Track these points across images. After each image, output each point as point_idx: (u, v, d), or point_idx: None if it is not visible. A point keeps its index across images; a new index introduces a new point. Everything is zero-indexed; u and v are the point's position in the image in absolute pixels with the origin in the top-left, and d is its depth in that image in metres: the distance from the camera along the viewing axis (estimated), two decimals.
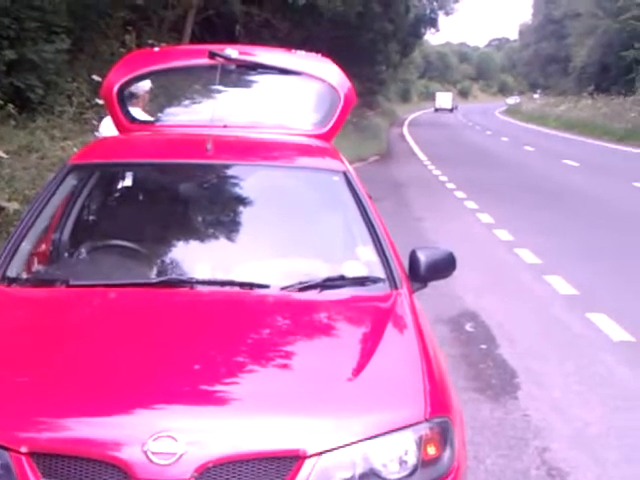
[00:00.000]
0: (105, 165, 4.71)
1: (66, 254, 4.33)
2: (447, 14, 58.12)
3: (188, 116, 5.37)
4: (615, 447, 5.27)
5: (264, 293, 3.75)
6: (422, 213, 15.04)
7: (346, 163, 4.72)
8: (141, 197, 4.81)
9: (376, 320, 3.66)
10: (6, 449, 2.73)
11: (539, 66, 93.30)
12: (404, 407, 3.01)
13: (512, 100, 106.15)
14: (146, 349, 3.22)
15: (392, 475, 2.86)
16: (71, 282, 3.75)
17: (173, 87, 6.04)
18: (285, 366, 3.27)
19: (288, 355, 3.35)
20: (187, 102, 5.80)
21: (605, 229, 13.47)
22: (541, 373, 6.59)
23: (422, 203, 16.60)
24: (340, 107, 5.24)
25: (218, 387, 3.04)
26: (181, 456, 2.69)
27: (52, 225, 4.37)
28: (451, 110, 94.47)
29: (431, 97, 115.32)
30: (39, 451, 2.73)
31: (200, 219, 4.54)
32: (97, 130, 8.92)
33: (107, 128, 6.79)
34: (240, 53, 5.19)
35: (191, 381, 3.02)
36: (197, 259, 4.09)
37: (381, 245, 4.07)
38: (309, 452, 2.77)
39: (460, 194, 18.07)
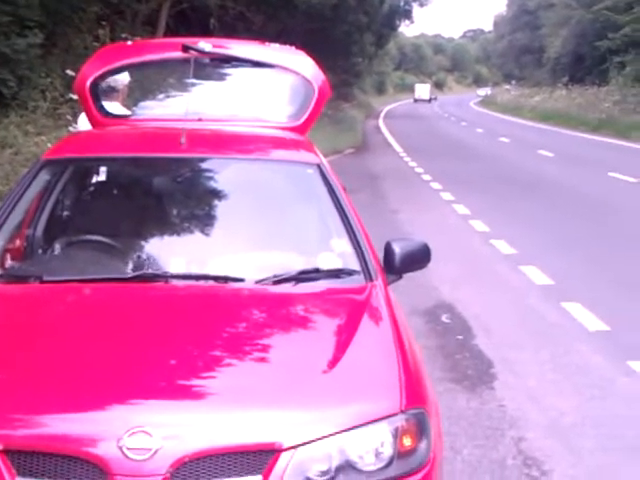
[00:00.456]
0: (78, 160, 4.68)
1: (40, 250, 4.30)
2: (421, 5, 58.33)
3: (162, 110, 5.36)
4: (590, 436, 5.31)
5: (239, 287, 3.74)
6: (398, 205, 15.06)
7: (320, 155, 4.73)
8: (115, 192, 4.79)
9: (351, 312, 3.66)
10: None
11: (513, 57, 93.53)
12: (379, 399, 3.01)
13: (483, 91, 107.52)
14: (121, 344, 3.20)
15: (368, 467, 2.87)
16: (45, 278, 3.73)
17: (147, 81, 6.03)
18: (260, 359, 3.27)
19: (263, 348, 3.35)
20: (161, 96, 5.78)
21: (580, 219, 13.54)
22: (517, 363, 6.62)
23: (398, 195, 16.63)
24: (314, 100, 5.25)
25: (194, 381, 3.04)
26: (157, 451, 2.68)
27: (25, 221, 4.34)
28: (429, 100, 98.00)
29: (407, 89, 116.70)
30: (14, 448, 2.71)
31: (174, 213, 4.54)
32: (73, 125, 8.88)
33: (84, 122, 6.77)
34: (214, 46, 5.18)
35: (167, 376, 3.01)
36: (172, 253, 4.08)
37: (355, 237, 4.08)
38: (285, 445, 2.77)
39: (436, 185, 18.11)
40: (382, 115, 62.11)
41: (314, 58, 5.50)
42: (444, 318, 7.83)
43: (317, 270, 3.87)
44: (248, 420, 2.83)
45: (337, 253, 4.08)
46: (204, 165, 4.67)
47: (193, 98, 5.16)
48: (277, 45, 5.67)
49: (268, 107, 5.33)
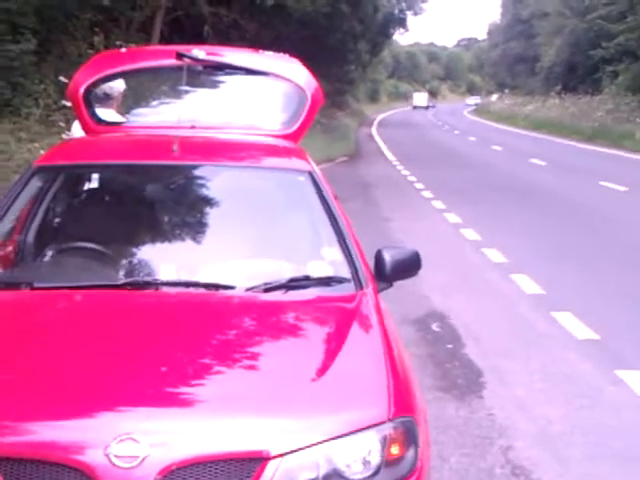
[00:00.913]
0: (70, 167, 4.69)
1: (31, 256, 4.31)
2: (416, 14, 58.38)
3: (155, 117, 5.37)
4: (578, 445, 5.33)
5: (229, 294, 3.75)
6: (390, 213, 15.08)
7: (312, 163, 4.74)
8: (107, 199, 4.79)
9: (341, 320, 3.67)
10: None
11: (507, 66, 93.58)
12: (368, 407, 3.02)
13: (472, 100, 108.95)
14: (111, 351, 3.20)
15: (355, 475, 2.87)
16: (35, 284, 3.73)
17: (140, 88, 6.03)
18: (249, 367, 3.27)
19: (253, 356, 3.36)
20: (154, 103, 5.80)
21: (572, 228, 13.57)
22: (506, 372, 6.63)
23: (390, 203, 16.64)
24: (307, 107, 5.26)
25: (182, 389, 3.04)
26: (144, 459, 2.69)
27: (17, 227, 4.35)
28: (427, 108, 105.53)
29: (401, 97, 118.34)
30: (1, 456, 2.71)
31: (166, 220, 4.54)
32: (67, 132, 8.88)
33: (78, 130, 6.78)
34: (207, 54, 5.20)
35: (155, 383, 3.01)
36: (163, 260, 4.08)
37: (346, 245, 4.09)
38: (272, 453, 2.77)
39: (428, 194, 18.13)
40: (375, 123, 62.14)
41: (308, 66, 5.52)
42: (434, 327, 7.84)
43: (307, 278, 3.89)
44: (236, 428, 2.84)
45: (328, 261, 4.09)
46: (196, 172, 4.68)
47: (186, 105, 5.17)
48: (270, 53, 5.69)
49: (261, 115, 5.34)
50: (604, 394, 6.21)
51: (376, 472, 2.90)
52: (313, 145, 15.36)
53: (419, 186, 19.77)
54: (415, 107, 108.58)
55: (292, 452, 2.79)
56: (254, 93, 5.46)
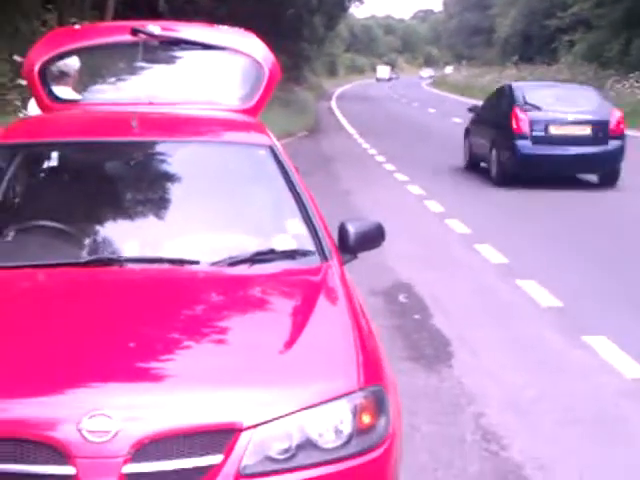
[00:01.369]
0: (29, 145, 4.62)
1: None
2: None
3: (113, 94, 5.32)
4: (547, 410, 5.36)
5: (194, 269, 3.73)
6: (352, 186, 15.06)
7: (272, 137, 4.71)
8: (67, 176, 4.72)
9: (307, 293, 3.68)
10: None
11: (463, 37, 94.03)
12: (338, 377, 3.03)
13: (426, 73, 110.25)
14: (78, 328, 3.18)
15: (328, 444, 2.88)
16: None
17: (96, 65, 5.95)
18: (218, 341, 3.26)
19: (221, 330, 3.35)
20: (111, 80, 5.73)
21: (534, 196, 13.64)
22: (474, 341, 6.66)
23: (352, 176, 16.62)
24: (265, 81, 5.25)
25: (152, 364, 3.04)
26: (117, 433, 2.68)
27: None
28: (389, 79, 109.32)
29: (358, 70, 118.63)
30: None
31: (128, 197, 4.50)
32: (23, 111, 8.78)
33: (34, 108, 6.69)
34: (163, 29, 5.16)
35: (125, 358, 3.01)
36: (126, 237, 4.04)
37: (310, 218, 4.08)
38: (245, 425, 2.77)
39: (390, 167, 18.14)
40: (334, 97, 61.99)
41: (264, 40, 5.49)
42: (401, 298, 7.85)
43: (272, 251, 3.88)
44: (207, 400, 2.84)
45: (292, 234, 4.08)
46: (156, 148, 4.64)
47: (143, 82, 5.15)
48: (226, 27, 5.64)
49: (219, 89, 5.31)
50: (571, 360, 6.25)
51: (348, 441, 2.91)
52: (272, 120, 15.25)
53: (380, 159, 19.76)
54: (378, 79, 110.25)
55: (265, 423, 2.80)
56: (212, 68, 5.42)
